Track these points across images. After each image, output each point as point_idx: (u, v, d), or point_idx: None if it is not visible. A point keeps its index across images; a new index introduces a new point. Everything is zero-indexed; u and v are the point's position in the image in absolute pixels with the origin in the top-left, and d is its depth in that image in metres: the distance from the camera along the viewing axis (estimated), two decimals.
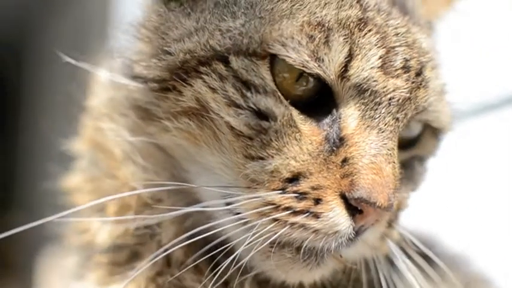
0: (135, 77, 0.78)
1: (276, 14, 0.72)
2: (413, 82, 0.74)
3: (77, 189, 0.88)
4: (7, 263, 3.34)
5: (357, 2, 0.74)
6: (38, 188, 0.97)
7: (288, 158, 0.70)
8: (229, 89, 0.71)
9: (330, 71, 0.71)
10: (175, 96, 0.74)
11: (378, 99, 0.72)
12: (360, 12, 0.73)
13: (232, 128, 0.71)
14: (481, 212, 1.43)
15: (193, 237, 0.73)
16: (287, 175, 0.70)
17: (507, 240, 1.39)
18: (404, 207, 0.80)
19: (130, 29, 0.82)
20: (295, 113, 0.71)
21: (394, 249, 0.79)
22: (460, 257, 0.95)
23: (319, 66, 0.70)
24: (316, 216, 0.69)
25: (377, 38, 0.72)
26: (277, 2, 0.73)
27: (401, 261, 0.79)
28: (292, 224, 0.69)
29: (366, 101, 0.72)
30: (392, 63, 0.73)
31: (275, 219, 0.70)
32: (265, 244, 0.71)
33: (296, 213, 0.69)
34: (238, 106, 0.71)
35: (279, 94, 0.71)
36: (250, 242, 0.70)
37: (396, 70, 0.73)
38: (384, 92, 0.72)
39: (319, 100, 0.73)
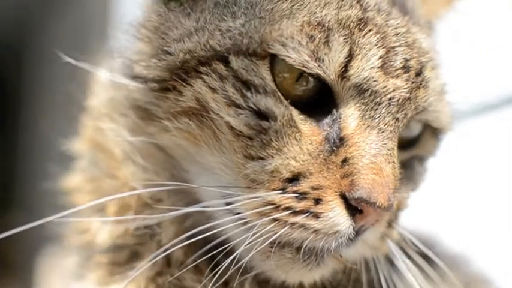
0: (135, 77, 0.78)
1: (276, 14, 0.72)
2: (413, 82, 0.74)
3: (77, 189, 0.88)
4: (7, 262, 3.33)
5: (357, 2, 0.74)
6: (38, 187, 0.97)
7: (288, 158, 0.70)
8: (229, 89, 0.71)
9: (330, 71, 0.71)
10: (175, 96, 0.74)
11: (378, 99, 0.72)
12: (360, 12, 0.73)
13: (232, 128, 0.71)
14: (481, 212, 1.43)
15: (193, 237, 0.73)
16: (287, 175, 0.70)
17: (507, 240, 1.39)
18: (404, 207, 0.80)
19: (131, 29, 0.82)
20: (295, 113, 0.71)
21: (394, 249, 0.79)
22: (460, 257, 0.95)
23: (319, 66, 0.70)
24: (316, 216, 0.69)
25: (377, 38, 0.72)
26: (277, 2, 0.73)
27: (401, 261, 0.79)
28: (292, 224, 0.69)
29: (366, 101, 0.72)
30: (392, 63, 0.73)
31: (275, 219, 0.70)
32: (265, 244, 0.71)
33: (296, 213, 0.69)
34: (238, 106, 0.71)
35: (279, 94, 0.71)
36: (250, 242, 0.70)
37: (396, 70, 0.73)
38: (384, 92, 0.72)
39: (319, 100, 0.73)
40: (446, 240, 0.95)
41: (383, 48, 0.72)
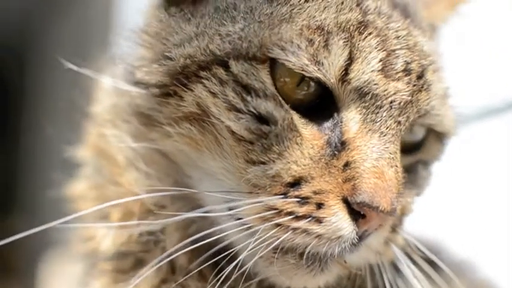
0: (137, 83, 0.78)
1: (275, 18, 0.72)
2: (414, 85, 0.74)
3: (81, 197, 0.88)
4: (9, 267, 3.33)
5: (357, 5, 0.74)
6: (40, 192, 0.97)
7: (289, 163, 0.70)
8: (230, 94, 0.71)
9: (330, 75, 0.70)
10: (176, 101, 0.74)
11: (379, 103, 0.72)
12: (359, 15, 0.73)
13: (233, 132, 0.71)
14: (487, 217, 1.41)
15: (197, 243, 0.72)
16: (289, 179, 0.70)
17: None
18: (408, 212, 0.79)
19: (132, 35, 0.82)
20: (296, 116, 0.71)
21: (399, 255, 0.78)
22: (466, 263, 0.94)
23: (319, 69, 0.70)
24: (318, 221, 0.69)
25: (377, 41, 0.72)
26: (277, 6, 0.73)
27: (407, 267, 0.78)
28: (295, 229, 0.69)
29: (367, 104, 0.72)
30: (393, 66, 0.72)
31: (277, 224, 0.69)
32: (268, 249, 0.70)
33: (298, 218, 0.69)
34: (238, 110, 0.71)
35: (280, 98, 0.71)
36: (253, 247, 0.70)
37: (397, 73, 0.72)
38: (384, 95, 0.72)
39: (320, 104, 0.72)
40: (452, 246, 0.94)
41: (383, 51, 0.72)
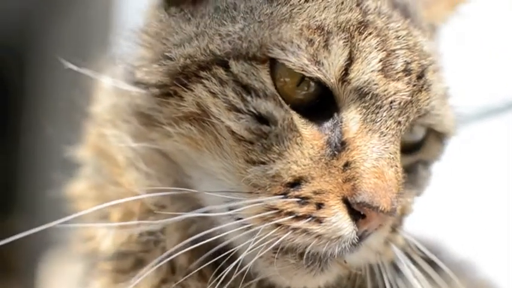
0: (137, 83, 0.78)
1: (275, 18, 0.72)
2: (414, 85, 0.74)
3: (81, 197, 0.88)
4: (9, 267, 3.33)
5: (357, 5, 0.74)
6: (40, 192, 0.97)
7: (289, 163, 0.70)
8: (230, 94, 0.71)
9: (330, 75, 0.70)
10: (176, 101, 0.74)
11: (379, 103, 0.72)
12: (359, 15, 0.73)
13: (233, 132, 0.71)
14: (487, 217, 1.41)
15: (197, 243, 0.72)
16: (289, 179, 0.70)
17: None
18: (408, 212, 0.79)
19: (132, 35, 0.82)
20: (296, 117, 0.71)
21: (399, 255, 0.78)
22: (466, 263, 0.94)
23: (319, 69, 0.70)
24: (318, 221, 0.69)
25: (377, 41, 0.72)
26: (277, 6, 0.73)
27: (407, 267, 0.78)
28: (295, 229, 0.69)
29: (367, 104, 0.72)
30: (393, 66, 0.72)
31: (278, 224, 0.69)
32: (268, 249, 0.70)
33: (298, 218, 0.69)
34: (238, 110, 0.71)
35: (280, 98, 0.71)
36: (253, 247, 0.70)
37: (397, 73, 0.72)
38: (384, 95, 0.72)
39: (320, 104, 0.72)
40: (452, 246, 0.94)
41: (383, 51, 0.72)
